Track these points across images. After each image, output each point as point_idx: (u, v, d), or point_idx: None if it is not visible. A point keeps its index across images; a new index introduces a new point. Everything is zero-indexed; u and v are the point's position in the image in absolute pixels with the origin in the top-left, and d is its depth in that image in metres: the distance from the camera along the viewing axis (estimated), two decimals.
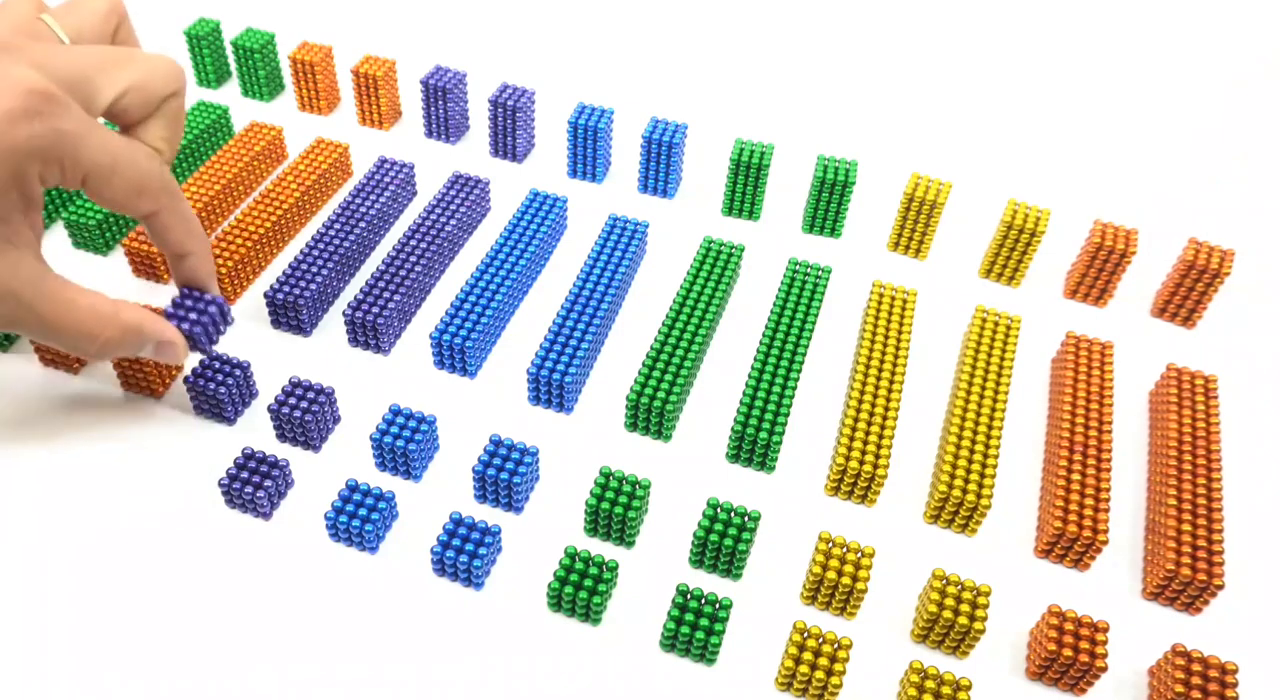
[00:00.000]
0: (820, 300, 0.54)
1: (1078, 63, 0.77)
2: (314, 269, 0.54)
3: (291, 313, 0.53)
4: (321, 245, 0.55)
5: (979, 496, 0.45)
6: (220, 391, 0.47)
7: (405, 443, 0.46)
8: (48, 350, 0.50)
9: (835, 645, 0.40)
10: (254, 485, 0.45)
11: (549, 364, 0.50)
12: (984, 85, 0.75)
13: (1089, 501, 0.45)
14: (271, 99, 0.68)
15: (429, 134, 0.66)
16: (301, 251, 0.55)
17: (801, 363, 0.51)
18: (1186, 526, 0.45)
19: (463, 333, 0.51)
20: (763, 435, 0.47)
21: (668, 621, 0.41)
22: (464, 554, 0.43)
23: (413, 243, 0.55)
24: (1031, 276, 0.60)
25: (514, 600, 0.43)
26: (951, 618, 0.41)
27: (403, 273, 0.54)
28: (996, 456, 0.47)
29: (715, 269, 0.55)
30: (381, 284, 0.53)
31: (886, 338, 0.52)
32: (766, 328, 0.52)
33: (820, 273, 0.55)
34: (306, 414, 0.47)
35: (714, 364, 0.54)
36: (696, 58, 0.76)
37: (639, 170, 0.62)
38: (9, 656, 0.40)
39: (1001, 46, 0.79)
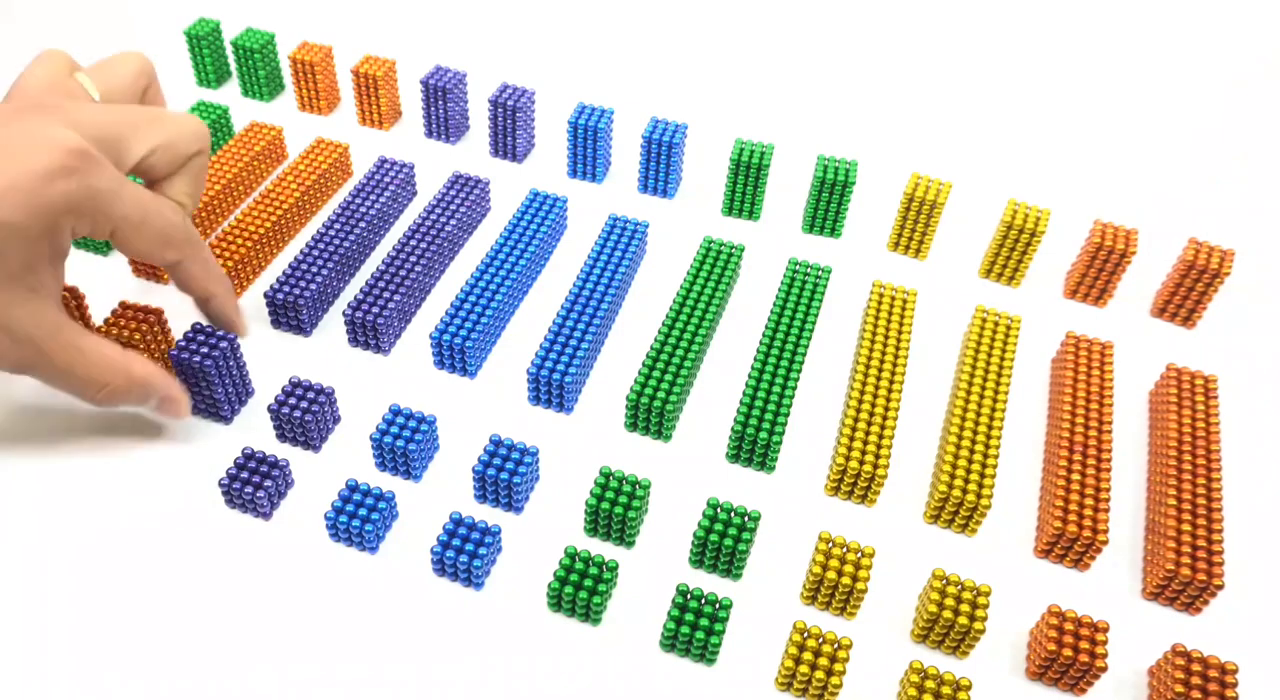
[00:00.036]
0: (820, 300, 0.54)
1: (1078, 63, 0.77)
2: (314, 269, 0.54)
3: (291, 313, 0.53)
4: (321, 245, 0.55)
5: (979, 496, 0.45)
6: (207, 364, 0.46)
7: (405, 443, 0.46)
8: None
9: (835, 645, 0.40)
10: (254, 485, 0.45)
11: (549, 364, 0.50)
12: (984, 85, 0.75)
13: (1089, 501, 0.45)
14: (271, 99, 0.68)
15: (429, 134, 0.66)
16: (301, 251, 0.55)
17: (801, 363, 0.51)
18: (1186, 526, 0.45)
19: (463, 333, 0.51)
20: (763, 435, 0.47)
21: (668, 621, 0.41)
22: (464, 554, 0.43)
23: (413, 243, 0.55)
24: (1031, 276, 0.60)
25: (514, 600, 0.43)
26: (951, 618, 0.41)
27: (403, 273, 0.54)
28: (996, 456, 0.47)
29: (715, 269, 0.55)
30: (381, 284, 0.53)
31: (886, 338, 0.52)
32: (766, 328, 0.52)
33: (820, 273, 0.55)
34: (306, 414, 0.47)
35: (714, 364, 0.54)
36: (696, 58, 0.76)
37: (639, 170, 0.62)
38: (9, 656, 0.40)
39: (1001, 47, 0.79)
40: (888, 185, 0.65)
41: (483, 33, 0.76)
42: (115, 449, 0.48)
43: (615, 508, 0.44)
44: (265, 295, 0.52)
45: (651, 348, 0.51)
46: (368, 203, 0.58)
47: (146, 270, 0.55)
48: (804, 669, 0.39)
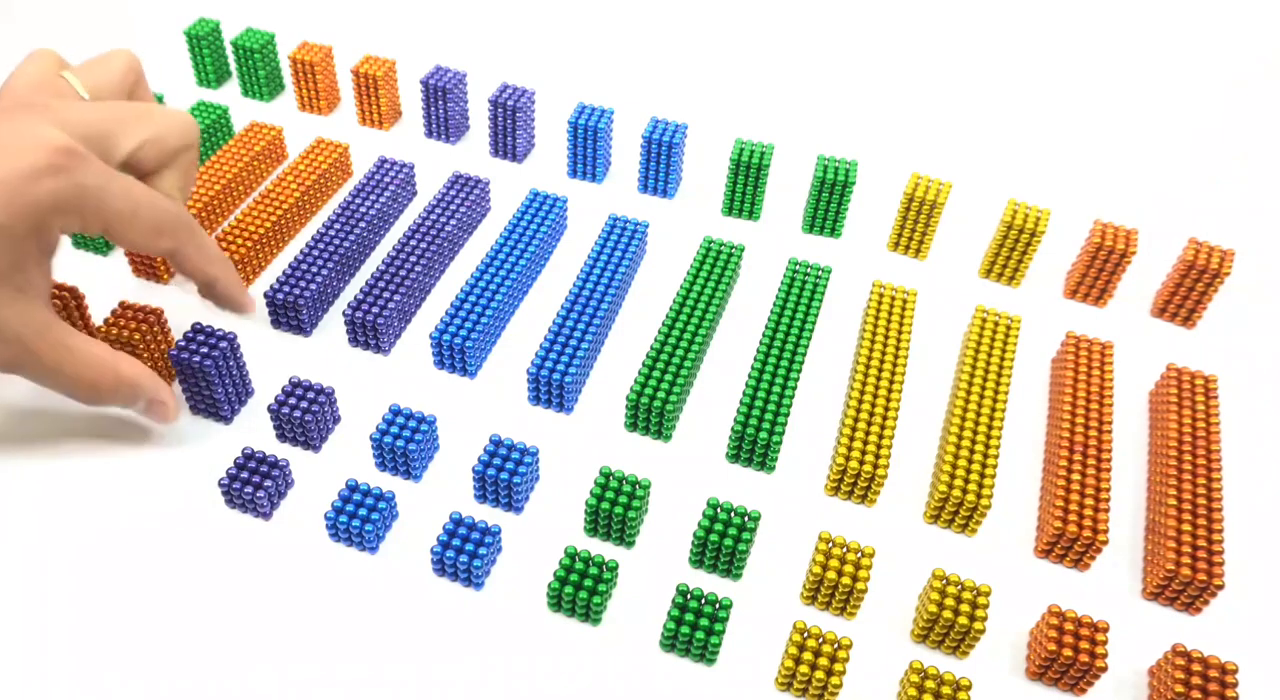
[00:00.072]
0: (820, 300, 0.54)
1: (1078, 63, 0.77)
2: (314, 269, 0.54)
3: (291, 313, 0.53)
4: (321, 245, 0.55)
5: (979, 496, 0.45)
6: (206, 364, 0.46)
7: (405, 443, 0.46)
8: None
9: (835, 645, 0.40)
10: (254, 485, 0.45)
11: (549, 364, 0.50)
12: (984, 85, 0.75)
13: (1089, 501, 0.45)
14: (271, 99, 0.68)
15: (429, 134, 0.66)
16: (301, 251, 0.55)
17: (801, 363, 0.51)
18: (1186, 526, 0.45)
19: (463, 333, 0.51)
20: (763, 435, 0.47)
21: (668, 621, 0.41)
22: (464, 554, 0.43)
23: (413, 243, 0.55)
24: (1031, 276, 0.60)
25: (514, 600, 0.43)
26: (951, 618, 0.41)
27: (403, 273, 0.54)
28: (996, 456, 0.47)
29: (715, 269, 0.55)
30: (381, 284, 0.53)
31: (886, 338, 0.52)
32: (766, 328, 0.52)
33: (820, 273, 0.55)
34: (306, 414, 0.47)
35: (714, 364, 0.54)
36: (696, 58, 0.76)
37: (639, 170, 0.62)
38: (9, 656, 0.40)
39: (1001, 47, 0.79)
40: (888, 185, 0.65)
41: (483, 33, 0.76)
42: (115, 449, 0.48)
43: (615, 508, 0.44)
44: (265, 295, 0.52)
45: (651, 348, 0.51)
46: (368, 203, 0.58)
47: (147, 270, 0.55)
48: (804, 669, 0.39)
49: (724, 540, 0.43)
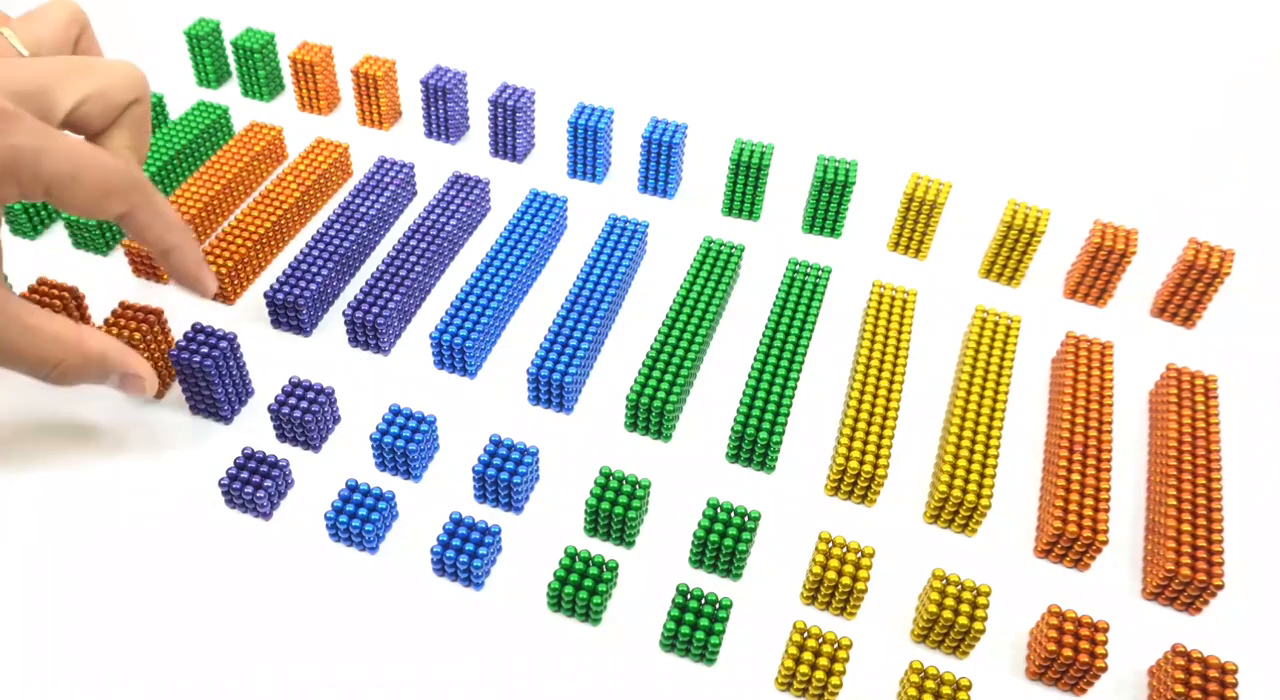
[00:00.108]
0: (820, 300, 0.54)
1: (1077, 62, 0.77)
2: (314, 269, 0.54)
3: (291, 313, 0.53)
4: (321, 245, 0.55)
5: (979, 496, 0.45)
6: (206, 364, 0.46)
7: (405, 443, 0.46)
8: None
9: (835, 645, 0.40)
10: (254, 485, 0.45)
11: (549, 364, 0.50)
12: (984, 85, 0.75)
13: (1089, 501, 0.45)
14: (271, 99, 0.68)
15: (429, 134, 0.66)
16: (301, 251, 0.55)
17: (801, 363, 0.51)
18: (1186, 526, 0.45)
19: (463, 333, 0.51)
20: (763, 435, 0.47)
21: (668, 621, 0.41)
22: (464, 554, 0.43)
23: (413, 243, 0.55)
24: (1031, 276, 0.60)
25: (514, 600, 0.43)
26: (951, 618, 0.41)
27: (403, 273, 0.54)
28: (996, 456, 0.47)
29: (715, 269, 0.55)
30: (381, 284, 0.53)
31: (886, 338, 0.52)
32: (766, 328, 0.52)
33: (820, 273, 0.55)
34: (306, 414, 0.47)
35: (714, 364, 0.54)
36: (696, 58, 0.76)
37: (639, 170, 0.62)
38: (9, 656, 0.40)
39: (1001, 47, 0.79)
40: (888, 185, 0.65)
41: (483, 33, 0.76)
42: (115, 449, 0.48)
43: (615, 508, 0.44)
44: (265, 295, 0.52)
45: (651, 348, 0.51)
46: (368, 203, 0.58)
47: (147, 270, 0.55)
48: (804, 669, 0.39)
49: (724, 540, 0.43)
